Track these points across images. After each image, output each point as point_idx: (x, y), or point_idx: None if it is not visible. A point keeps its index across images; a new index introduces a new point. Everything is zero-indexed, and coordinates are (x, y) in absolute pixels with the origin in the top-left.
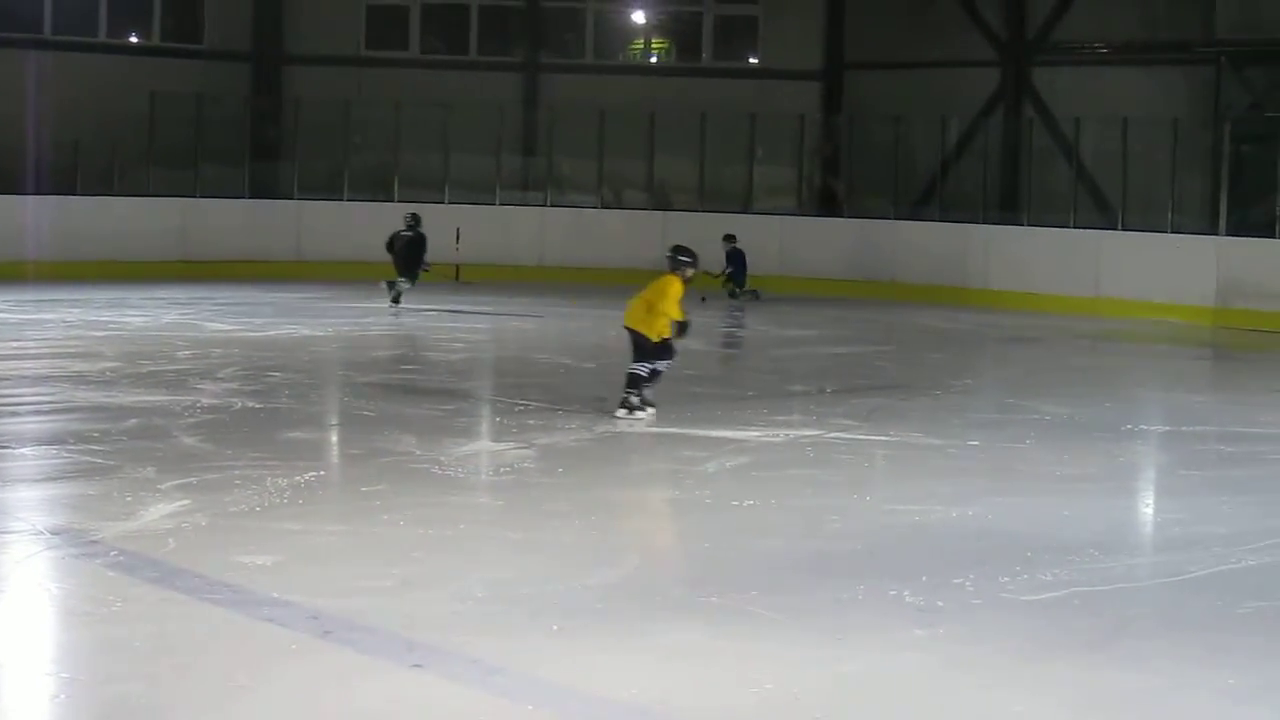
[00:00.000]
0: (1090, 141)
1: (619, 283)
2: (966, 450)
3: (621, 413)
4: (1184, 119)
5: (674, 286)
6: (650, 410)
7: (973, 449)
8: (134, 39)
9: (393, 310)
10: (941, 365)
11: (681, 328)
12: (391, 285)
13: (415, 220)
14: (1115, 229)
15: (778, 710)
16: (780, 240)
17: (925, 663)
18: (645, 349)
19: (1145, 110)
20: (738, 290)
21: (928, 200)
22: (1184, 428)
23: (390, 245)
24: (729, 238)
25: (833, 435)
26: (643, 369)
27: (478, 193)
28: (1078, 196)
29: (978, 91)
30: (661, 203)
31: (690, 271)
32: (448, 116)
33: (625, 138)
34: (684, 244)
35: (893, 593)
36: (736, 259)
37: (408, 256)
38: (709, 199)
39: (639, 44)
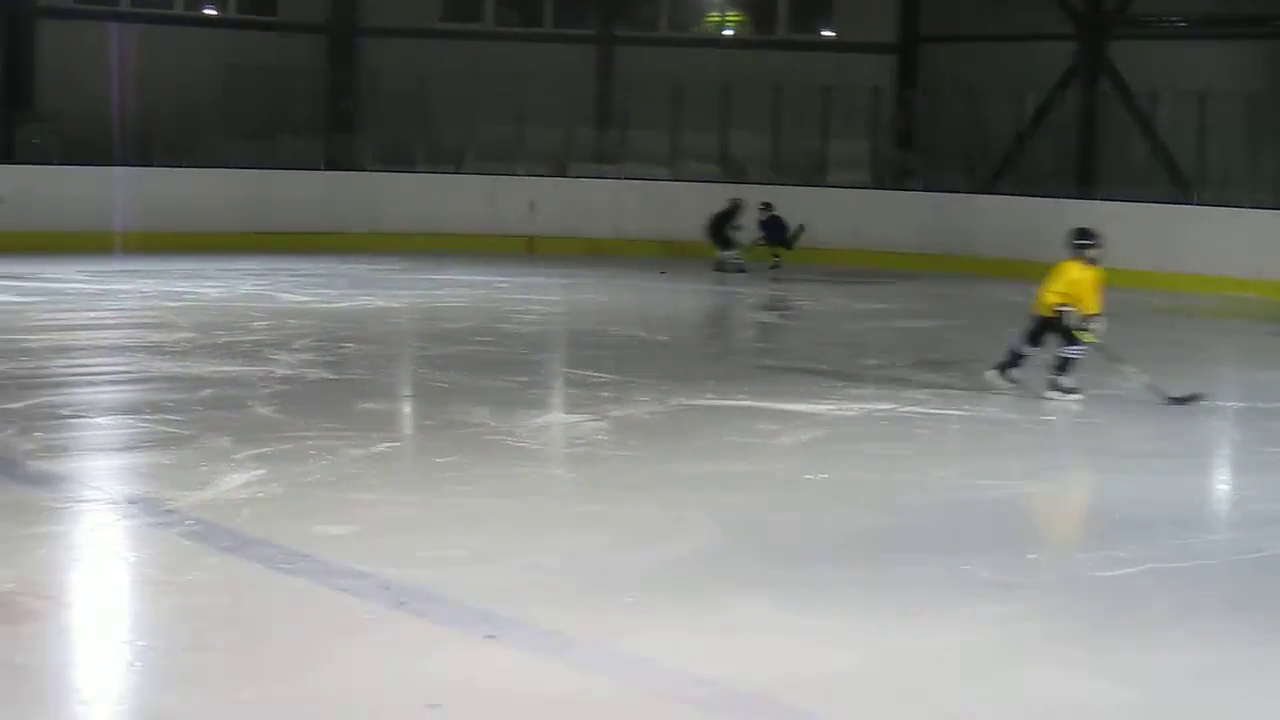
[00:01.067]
0: (1167, 115)
1: (692, 255)
2: (1041, 425)
3: (1054, 394)
4: (1262, 93)
5: (1072, 271)
6: (1076, 395)
7: (1048, 424)
8: (210, 11)
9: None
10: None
11: (1081, 321)
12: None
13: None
14: (1191, 203)
15: (851, 685)
16: (853, 214)
17: (999, 638)
18: (1060, 330)
19: (1223, 84)
20: (775, 257)
21: (1002, 174)
22: (1261, 404)
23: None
24: (765, 206)
25: (907, 409)
26: (1075, 352)
27: (551, 164)
28: (1154, 171)
29: (1054, 65)
30: (735, 175)
31: (1094, 253)
32: (522, 88)
33: (699, 110)
34: (1086, 226)
35: (967, 568)
36: (771, 226)
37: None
38: (782, 172)
39: (714, 16)
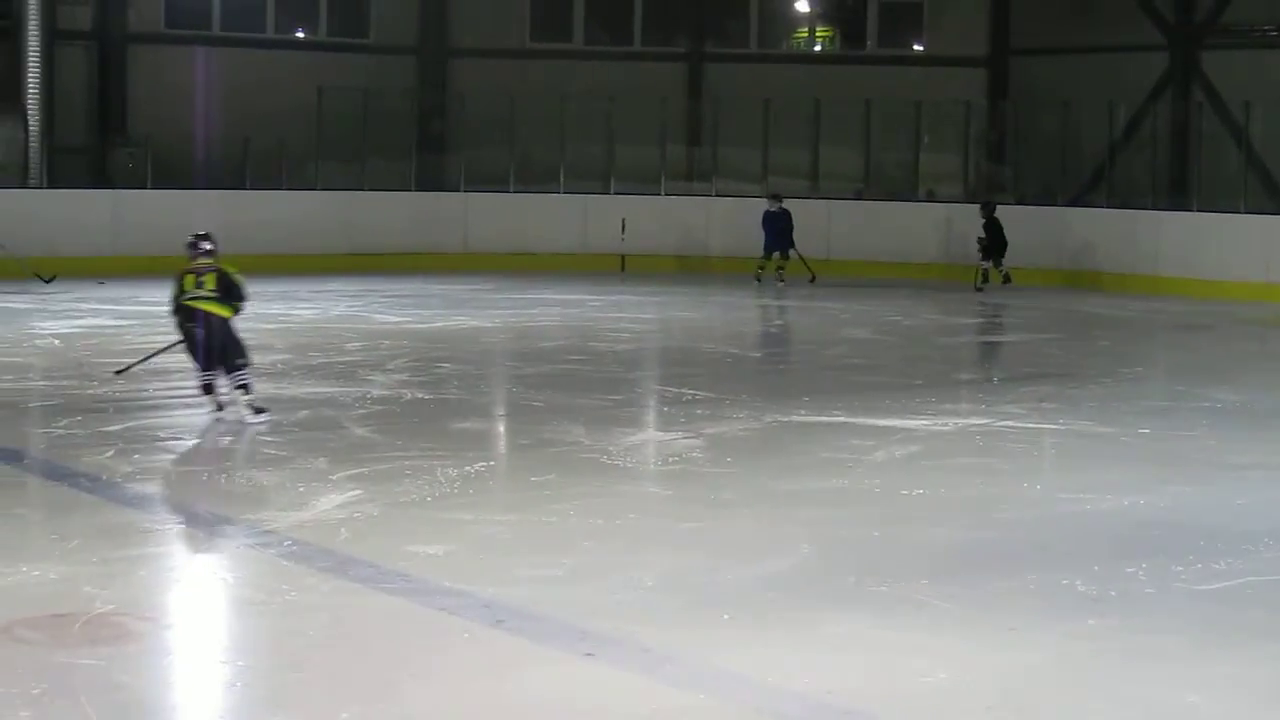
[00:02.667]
0: (1261, 125)
1: (788, 272)
2: (1137, 438)
3: None
4: None
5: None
6: None
7: (1143, 437)
8: (301, 34)
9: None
10: (1110, 352)
11: None
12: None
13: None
14: None
15: (950, 700)
16: (945, 227)
17: (1098, 653)
18: None
19: None
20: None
21: (1095, 186)
22: None
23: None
24: (774, 197)
25: (1002, 424)
26: None
27: (642, 183)
28: (1248, 181)
29: (1146, 76)
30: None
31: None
32: (612, 107)
33: (790, 127)
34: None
35: (1064, 582)
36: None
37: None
38: (874, 187)
39: (803, 32)
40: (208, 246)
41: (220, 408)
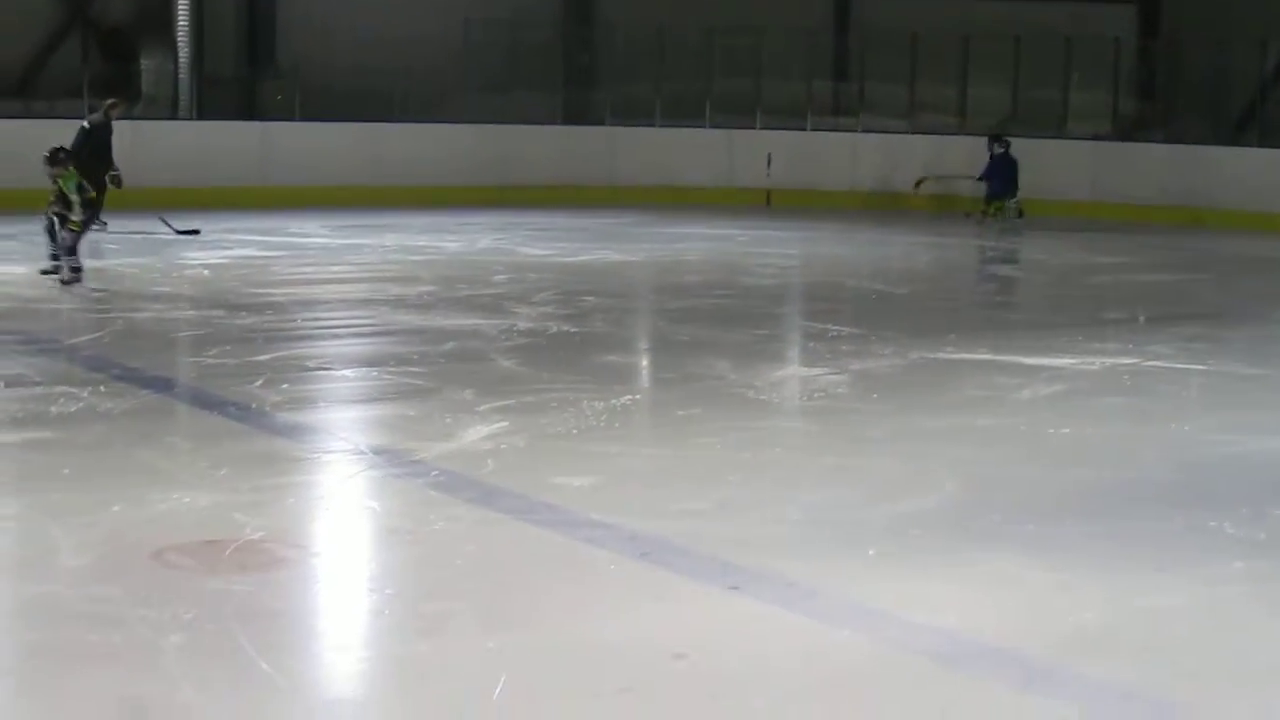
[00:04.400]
0: None
1: (928, 209)
2: None
3: None
4: None
5: None
6: None
7: None
8: None
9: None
10: (1261, 294)
11: None
12: None
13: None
14: None
15: (1096, 641)
16: (1093, 166)
17: (1245, 596)
18: None
19: None
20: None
21: (1246, 125)
22: None
23: None
24: (997, 138)
25: (1150, 363)
26: None
27: (788, 118)
28: None
29: None
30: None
31: None
32: (759, 41)
33: (937, 63)
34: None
35: (1212, 524)
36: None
37: None
38: (1021, 124)
39: None
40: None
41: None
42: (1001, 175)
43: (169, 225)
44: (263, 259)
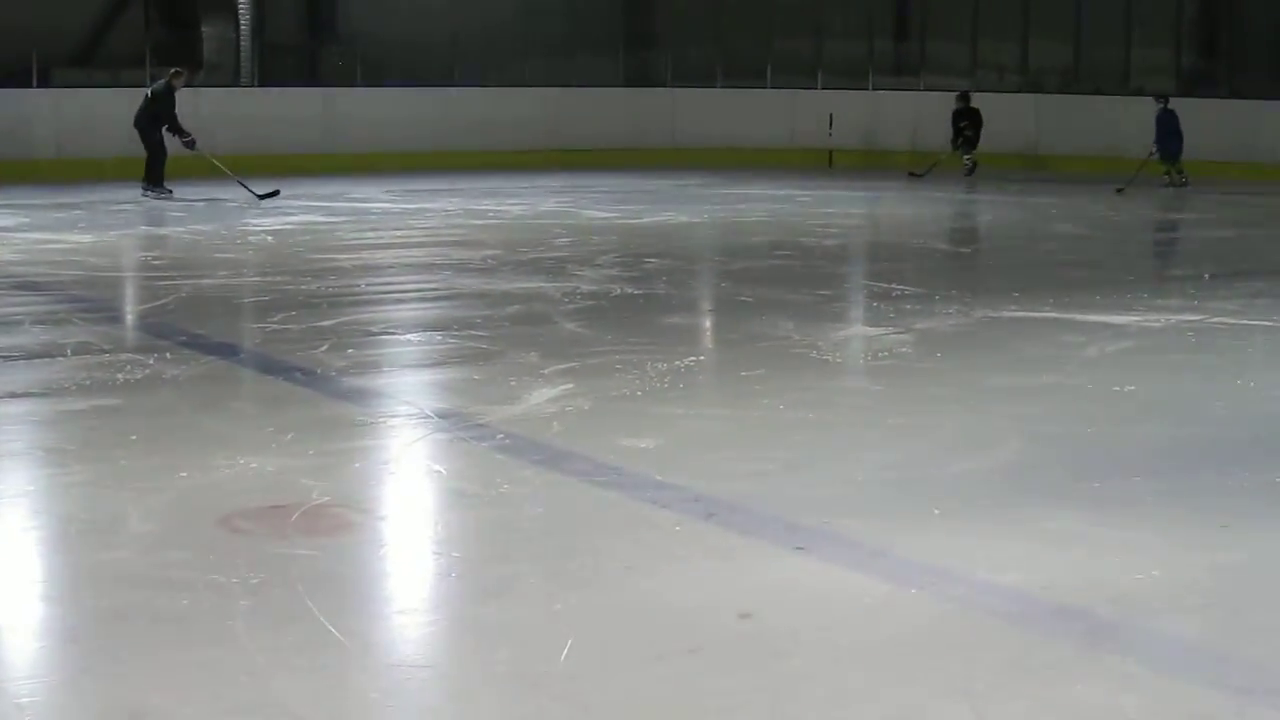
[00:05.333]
0: None
1: (993, 166)
2: None
3: None
4: None
5: None
6: None
7: None
8: None
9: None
10: None
11: None
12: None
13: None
14: None
15: (1163, 598)
16: (1152, 122)
17: None
18: None
19: None
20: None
21: None
22: None
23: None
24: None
25: (1215, 320)
26: None
27: (850, 78)
28: None
29: None
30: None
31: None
32: (820, 2)
33: (999, 19)
34: None
35: (1278, 480)
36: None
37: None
38: (1084, 80)
39: None
40: None
41: None
42: (1172, 133)
43: (249, 189)
44: (326, 225)
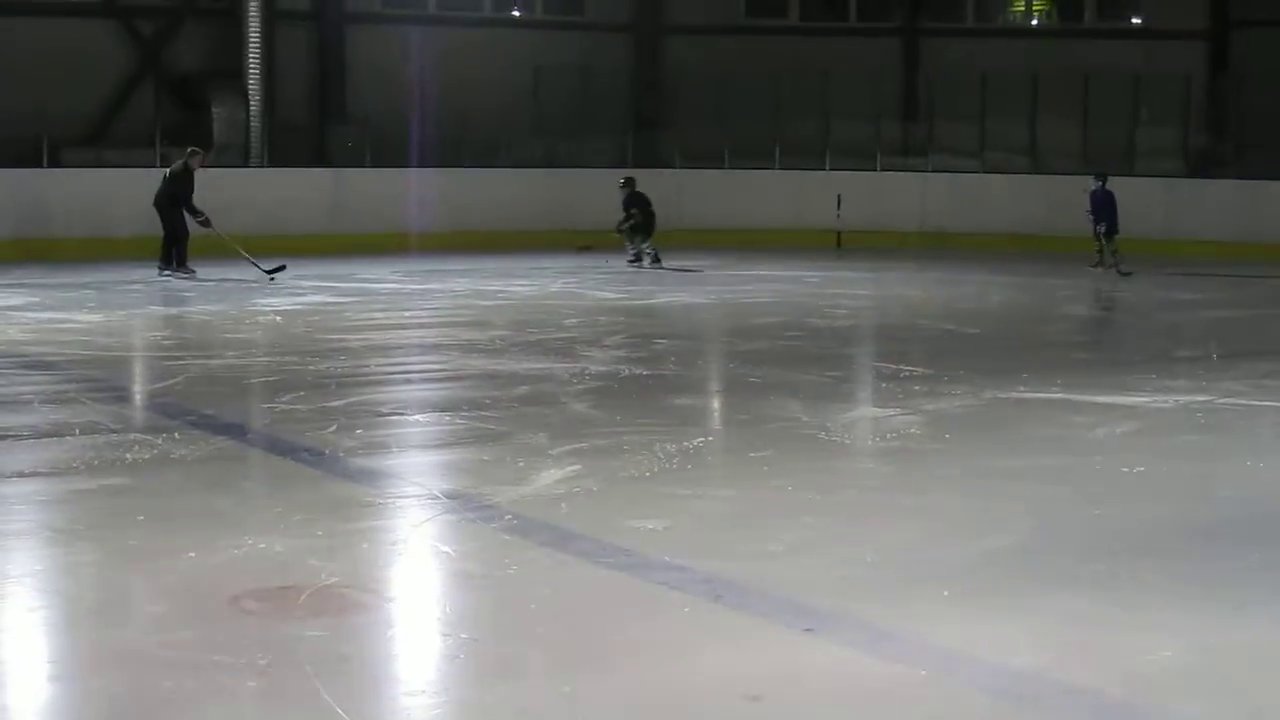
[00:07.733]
0: None
1: (1000, 248)
2: None
3: None
4: None
5: None
6: None
7: None
8: (517, 13)
9: None
10: None
11: None
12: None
13: None
14: None
15: (1174, 680)
16: (1164, 203)
17: None
18: None
19: None
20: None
21: None
22: None
23: None
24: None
25: (1223, 401)
26: None
27: (858, 159)
28: None
29: None
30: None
31: None
32: (827, 83)
33: (1006, 101)
34: None
35: None
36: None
37: None
38: (1091, 162)
39: (1020, 6)
40: None
41: None
42: (1111, 211)
43: (256, 265)
44: (335, 305)
